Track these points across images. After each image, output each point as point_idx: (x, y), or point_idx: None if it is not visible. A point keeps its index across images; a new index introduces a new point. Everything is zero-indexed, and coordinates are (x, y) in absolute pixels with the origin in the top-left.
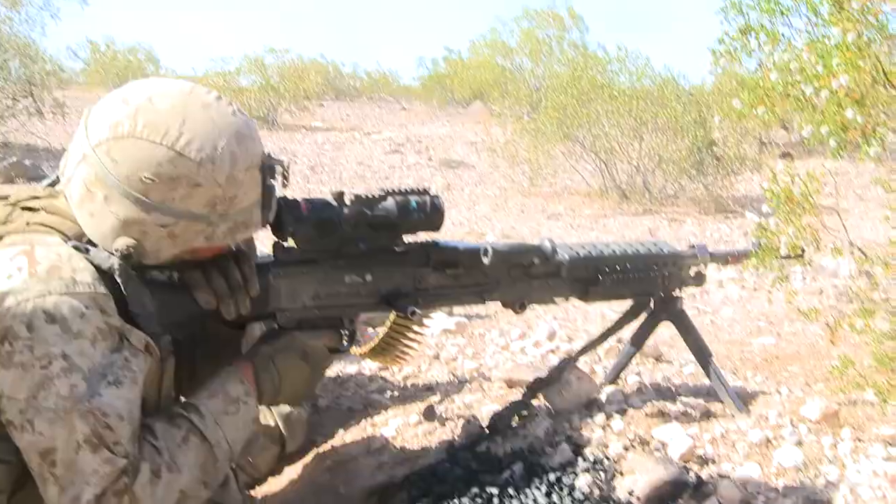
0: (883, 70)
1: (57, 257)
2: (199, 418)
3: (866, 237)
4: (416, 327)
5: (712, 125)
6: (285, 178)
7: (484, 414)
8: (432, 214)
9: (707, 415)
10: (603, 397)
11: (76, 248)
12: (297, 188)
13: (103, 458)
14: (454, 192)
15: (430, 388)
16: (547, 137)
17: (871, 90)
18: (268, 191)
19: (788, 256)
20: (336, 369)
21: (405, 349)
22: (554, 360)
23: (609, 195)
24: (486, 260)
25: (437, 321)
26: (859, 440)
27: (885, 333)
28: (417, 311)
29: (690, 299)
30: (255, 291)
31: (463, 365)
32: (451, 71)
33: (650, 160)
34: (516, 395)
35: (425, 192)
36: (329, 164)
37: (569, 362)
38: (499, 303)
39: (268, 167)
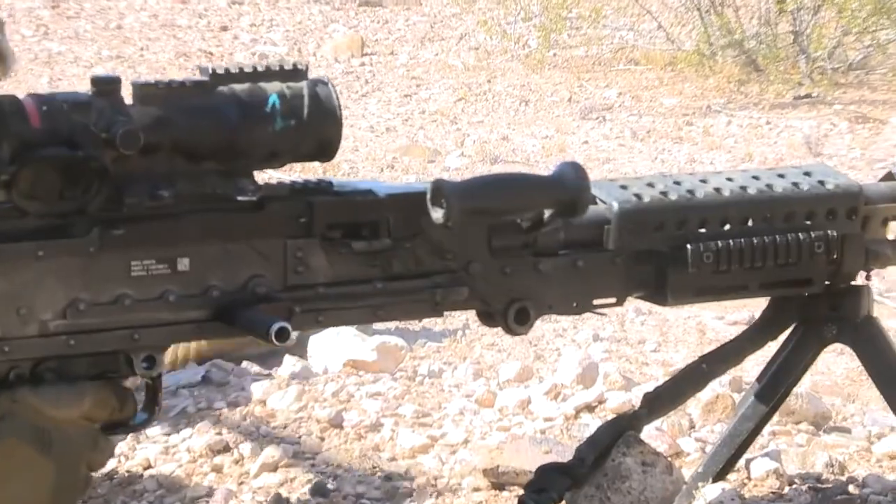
0: None
1: None
2: None
3: None
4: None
5: None
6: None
7: None
8: (316, 121)
9: None
10: None
11: None
12: (21, 79)
13: None
14: (377, 59)
15: (321, 492)
16: None
17: None
18: None
19: None
20: (114, 458)
21: None
22: (593, 427)
23: (717, 65)
24: (439, 215)
25: (336, 345)
26: None
27: None
28: (289, 328)
29: (887, 293)
30: None
31: (396, 440)
32: None
33: None
34: (510, 500)
35: (297, 71)
36: (97, 17)
37: (623, 431)
38: (470, 311)
39: None
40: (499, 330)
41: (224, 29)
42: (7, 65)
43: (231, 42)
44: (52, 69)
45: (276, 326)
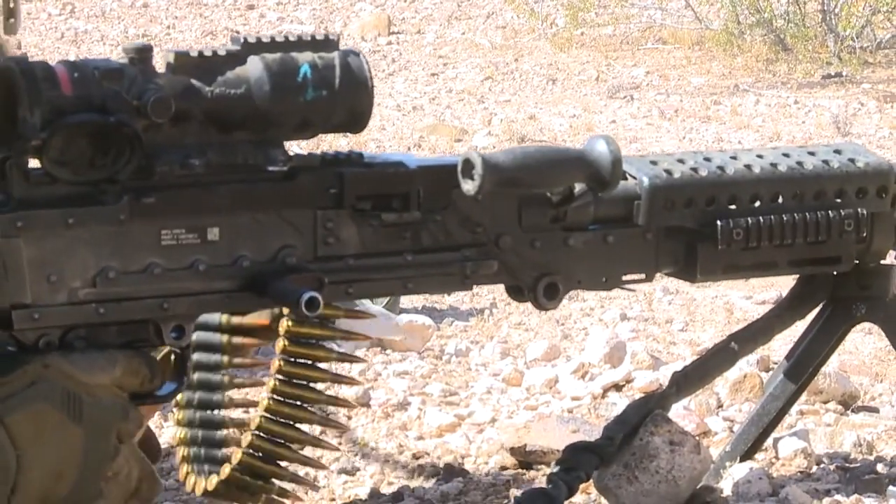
0: None
1: None
2: None
3: None
4: (334, 358)
5: None
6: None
7: None
8: (347, 91)
9: None
10: (727, 485)
11: None
12: (49, 57)
13: None
14: (403, 38)
15: (348, 471)
16: None
17: None
18: None
19: None
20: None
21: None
22: (622, 407)
23: (745, 44)
24: (470, 186)
25: (363, 323)
26: None
27: None
28: (319, 298)
29: None
30: None
31: (423, 419)
32: None
33: None
34: (537, 479)
35: (329, 41)
36: None
37: (651, 410)
38: (499, 286)
39: None
40: (526, 309)
41: (250, 7)
42: (18, 22)
43: (257, 20)
44: (79, 47)
45: (306, 296)
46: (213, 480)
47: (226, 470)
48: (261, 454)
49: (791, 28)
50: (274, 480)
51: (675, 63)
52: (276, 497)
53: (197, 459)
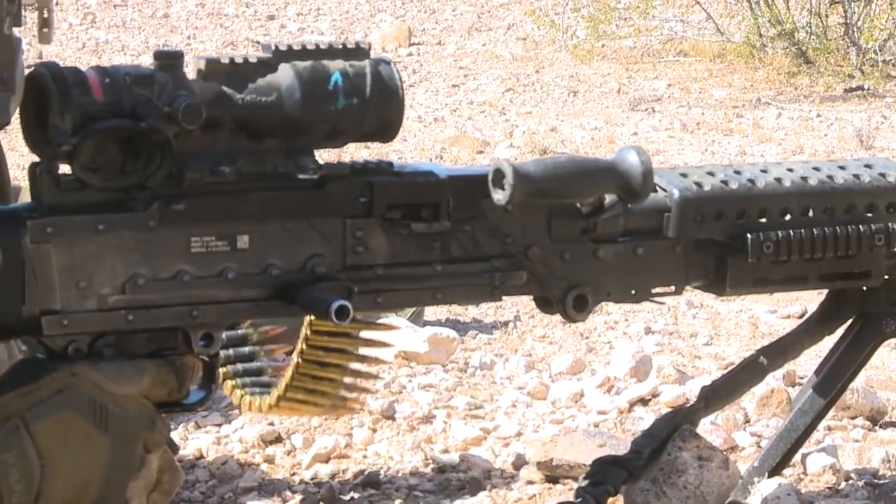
0: None
1: None
2: None
3: None
4: (359, 346)
5: None
6: (46, 23)
7: None
8: (378, 100)
9: None
10: (755, 501)
11: None
12: (71, 52)
13: None
14: (424, 49)
15: (373, 484)
16: None
17: None
18: (5, 42)
19: None
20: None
21: (347, 390)
22: (648, 421)
23: (767, 56)
24: (500, 196)
25: (387, 336)
26: None
27: None
28: (349, 306)
29: None
30: None
31: (448, 432)
32: None
33: None
34: (563, 493)
35: (360, 49)
36: (144, 5)
37: (680, 424)
38: (527, 297)
39: None
40: (550, 322)
41: (271, 18)
42: (52, 32)
43: (278, 31)
44: (100, 58)
45: (336, 304)
46: (274, 395)
47: (282, 385)
48: (315, 361)
49: (813, 41)
50: (335, 381)
51: (697, 76)
52: (339, 402)
53: (246, 385)
